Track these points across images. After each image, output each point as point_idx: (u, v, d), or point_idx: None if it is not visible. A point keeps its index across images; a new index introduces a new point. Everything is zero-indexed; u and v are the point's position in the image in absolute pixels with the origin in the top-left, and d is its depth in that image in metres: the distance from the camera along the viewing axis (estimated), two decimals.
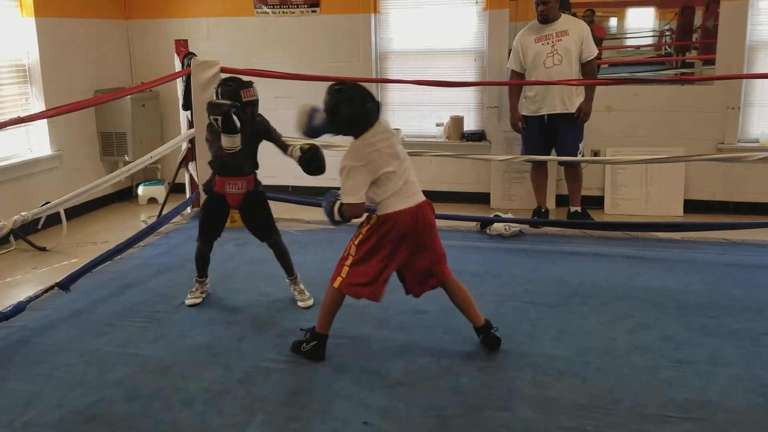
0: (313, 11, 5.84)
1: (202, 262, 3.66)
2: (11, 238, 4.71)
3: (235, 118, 3.15)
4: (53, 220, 4.78)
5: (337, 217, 2.83)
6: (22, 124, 4.53)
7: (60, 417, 2.59)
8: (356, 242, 2.89)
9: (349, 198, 2.77)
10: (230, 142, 3.21)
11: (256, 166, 3.57)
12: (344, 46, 5.81)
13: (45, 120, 5.18)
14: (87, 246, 4.79)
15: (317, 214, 5.28)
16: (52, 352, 3.09)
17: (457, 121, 5.72)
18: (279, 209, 5.32)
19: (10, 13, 5.08)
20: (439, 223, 4.83)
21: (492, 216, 4.92)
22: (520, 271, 4.07)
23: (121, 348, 3.15)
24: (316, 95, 5.94)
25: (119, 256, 4.28)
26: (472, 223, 4.93)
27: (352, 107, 2.77)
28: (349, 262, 2.89)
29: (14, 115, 4.69)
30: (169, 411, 2.62)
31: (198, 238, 3.63)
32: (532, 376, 2.85)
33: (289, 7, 5.87)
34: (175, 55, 5.00)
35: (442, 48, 5.74)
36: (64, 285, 3.63)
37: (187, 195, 5.29)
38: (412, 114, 5.91)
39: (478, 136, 5.70)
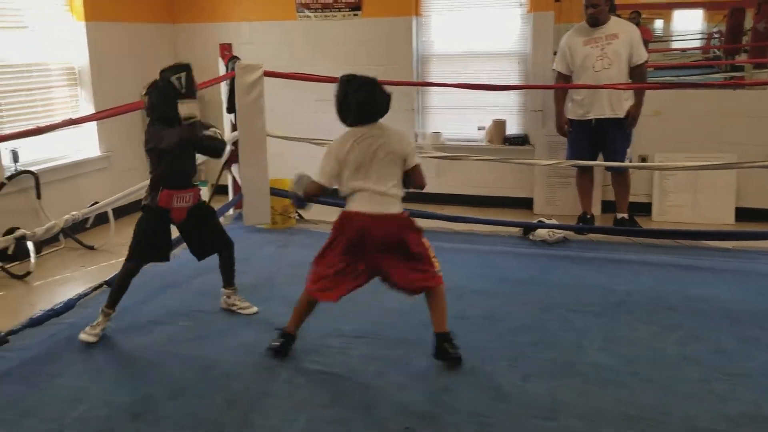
0: (354, 14, 5.86)
1: (122, 288, 3.31)
2: (61, 236, 4.82)
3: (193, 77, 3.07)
4: (101, 219, 4.88)
5: (299, 189, 2.89)
6: (73, 126, 4.64)
7: (108, 414, 2.63)
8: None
9: (315, 176, 2.86)
10: (190, 110, 3.03)
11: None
12: (385, 49, 5.81)
13: (94, 122, 5.29)
14: None
15: None
16: (100, 349, 3.15)
17: (500, 125, 5.67)
18: (319, 212, 5.35)
19: (63, 17, 5.21)
20: (481, 228, 4.88)
21: (536, 222, 4.85)
22: (564, 279, 4.00)
23: (166, 346, 3.19)
24: None
25: None
26: (515, 229, 4.87)
27: (360, 96, 2.80)
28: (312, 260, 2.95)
29: (65, 117, 4.82)
30: (212, 410, 2.64)
31: (130, 258, 3.28)
32: (578, 386, 2.79)
33: (331, 11, 5.90)
34: (220, 58, 5.06)
35: (485, 51, 5.70)
36: (112, 283, 3.70)
37: (230, 196, 5.35)
38: (453, 117, 5.88)
39: (521, 140, 5.64)
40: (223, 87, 5.05)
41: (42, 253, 4.66)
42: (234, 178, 5.27)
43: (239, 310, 3.56)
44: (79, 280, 4.22)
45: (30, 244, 4.27)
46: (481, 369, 2.94)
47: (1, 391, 2.80)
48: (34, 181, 4.71)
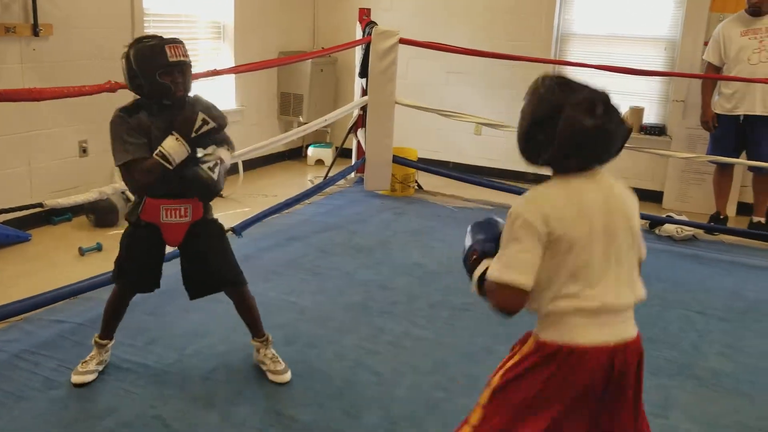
0: None
1: (115, 314, 2.56)
2: None
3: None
4: (231, 169, 5.12)
5: (474, 287, 1.63)
6: (214, 77, 4.87)
7: (225, 350, 2.79)
8: (498, 385, 1.59)
9: (503, 273, 1.50)
10: (181, 153, 2.28)
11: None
12: (525, 24, 5.67)
13: (233, 75, 5.53)
14: (258, 197, 5.10)
15: (476, 192, 5.25)
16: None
17: (636, 113, 5.41)
18: (438, 183, 5.39)
19: None
20: None
21: (664, 216, 4.62)
22: (689, 278, 3.81)
23: (284, 295, 3.33)
24: (491, 73, 5.83)
25: (286, 210, 4.52)
26: (641, 221, 4.66)
27: (582, 122, 1.48)
28: (475, 419, 1.59)
29: (208, 69, 5.07)
30: (323, 360, 2.74)
31: (116, 281, 2.53)
32: (694, 389, 2.67)
33: None
34: (357, 23, 5.14)
35: (629, 34, 5.44)
36: (238, 231, 3.91)
37: (353, 160, 5.46)
38: None
39: (659, 131, 5.37)
40: (358, 51, 5.13)
41: None
42: (359, 143, 5.37)
43: (269, 373, 2.59)
44: None
45: None
46: None
47: (133, 320, 2.99)
48: None
